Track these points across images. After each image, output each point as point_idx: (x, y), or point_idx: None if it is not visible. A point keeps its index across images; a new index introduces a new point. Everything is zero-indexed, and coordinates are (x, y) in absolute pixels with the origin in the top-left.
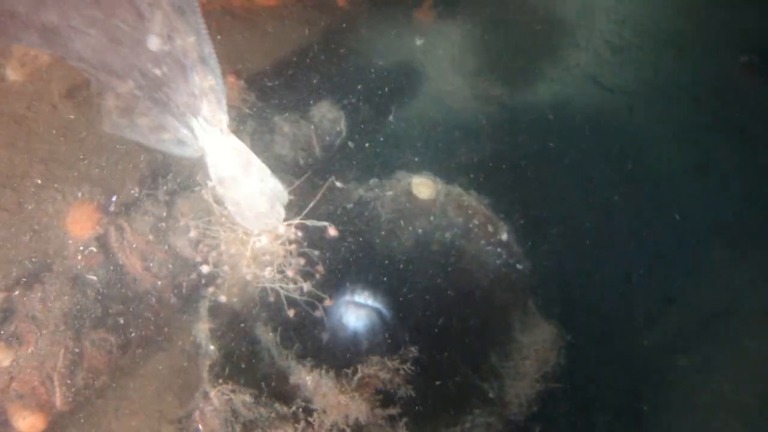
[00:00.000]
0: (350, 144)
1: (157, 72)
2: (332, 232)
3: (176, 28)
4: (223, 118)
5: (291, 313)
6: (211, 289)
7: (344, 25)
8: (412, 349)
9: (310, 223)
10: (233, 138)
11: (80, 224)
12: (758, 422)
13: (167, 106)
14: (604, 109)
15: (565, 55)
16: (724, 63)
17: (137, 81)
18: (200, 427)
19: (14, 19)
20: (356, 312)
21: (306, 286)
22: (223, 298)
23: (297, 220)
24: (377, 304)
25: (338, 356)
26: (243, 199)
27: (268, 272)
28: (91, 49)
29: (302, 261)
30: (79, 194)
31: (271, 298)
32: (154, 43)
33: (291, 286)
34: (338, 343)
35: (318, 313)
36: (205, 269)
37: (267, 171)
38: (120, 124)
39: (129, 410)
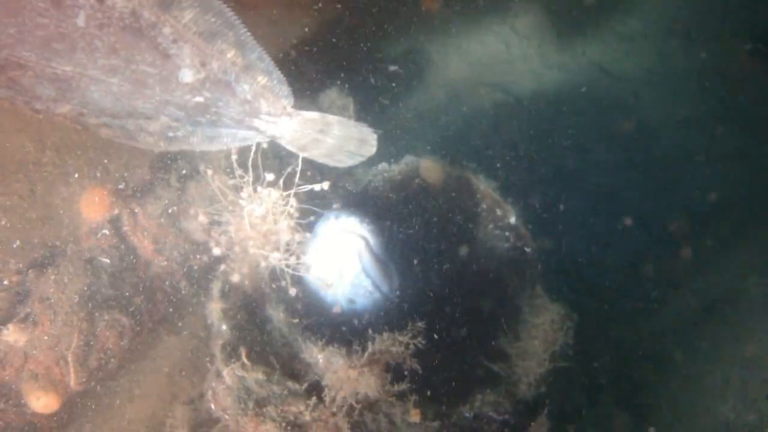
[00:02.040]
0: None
1: (200, 99)
2: (325, 186)
3: (209, 54)
4: (286, 102)
5: (293, 291)
6: (222, 267)
7: (351, 13)
8: (420, 324)
9: (304, 188)
10: (303, 113)
11: (93, 208)
12: (765, 407)
13: (217, 122)
14: (610, 96)
15: (571, 43)
16: (729, 50)
17: (172, 115)
18: (213, 406)
19: (25, 69)
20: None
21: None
22: (236, 278)
23: (293, 190)
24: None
25: (348, 333)
26: (332, 150)
27: (277, 252)
28: (113, 97)
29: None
30: (92, 179)
31: (282, 280)
32: (187, 75)
33: (295, 262)
34: (346, 321)
35: (325, 289)
36: (216, 251)
37: (348, 122)
38: (171, 148)
39: (141, 391)
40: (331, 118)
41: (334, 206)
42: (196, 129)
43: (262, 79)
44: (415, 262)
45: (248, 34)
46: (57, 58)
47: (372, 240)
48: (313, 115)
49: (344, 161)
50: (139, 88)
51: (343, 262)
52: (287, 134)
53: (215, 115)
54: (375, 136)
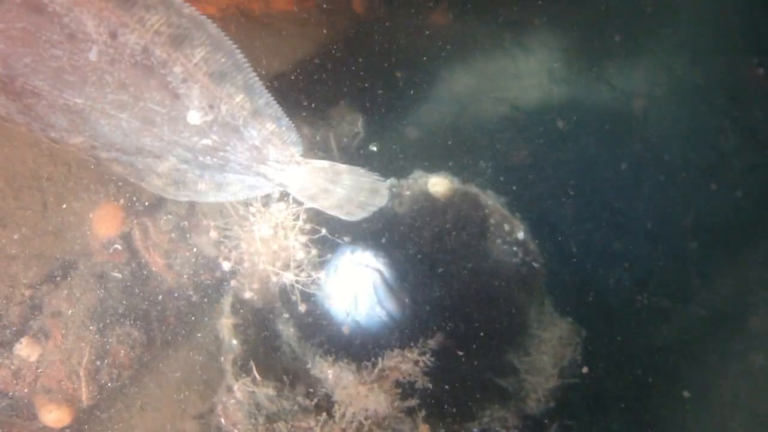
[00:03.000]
0: (368, 145)
1: (207, 142)
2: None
3: (217, 96)
4: (295, 150)
5: (303, 307)
6: (233, 282)
7: (361, 30)
8: (430, 341)
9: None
10: (312, 162)
11: (105, 223)
12: None
13: (225, 166)
14: (618, 111)
15: (579, 58)
16: (737, 65)
17: (180, 156)
18: (222, 420)
19: (39, 97)
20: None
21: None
22: (247, 294)
23: (303, 207)
24: (392, 300)
25: (358, 350)
26: (342, 200)
27: (288, 268)
28: (122, 133)
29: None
30: (104, 194)
31: (293, 296)
32: (195, 117)
33: (306, 279)
34: (356, 338)
35: (335, 307)
36: (226, 266)
37: (359, 170)
38: (181, 195)
39: (151, 406)
40: (341, 167)
41: (346, 239)
42: (204, 173)
43: (270, 126)
44: (424, 278)
45: (256, 78)
46: (69, 90)
47: (386, 272)
48: (323, 164)
49: (354, 213)
50: (147, 125)
51: (359, 294)
52: (296, 184)
53: (223, 159)
54: (386, 185)
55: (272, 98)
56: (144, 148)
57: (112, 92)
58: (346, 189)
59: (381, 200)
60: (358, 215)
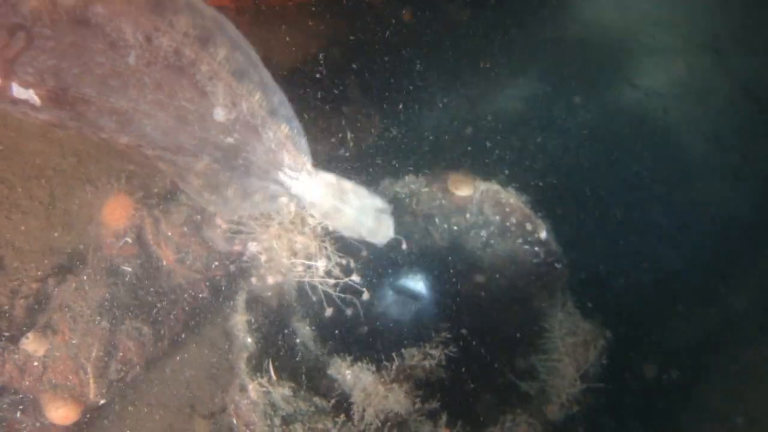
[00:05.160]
0: (384, 139)
1: (230, 140)
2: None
3: (239, 94)
4: (306, 159)
5: (328, 312)
6: (247, 277)
7: (378, 23)
8: (446, 334)
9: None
10: (321, 174)
11: (115, 215)
12: None
13: (249, 169)
14: (639, 111)
15: (599, 57)
16: (759, 65)
17: (212, 155)
18: (234, 421)
19: (89, 104)
20: (393, 308)
21: (343, 280)
22: (266, 281)
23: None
24: (412, 301)
25: (377, 348)
26: (351, 222)
27: (304, 265)
28: (162, 132)
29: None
30: (114, 186)
31: (312, 296)
32: (220, 114)
33: (330, 280)
34: (376, 337)
35: (350, 311)
36: (253, 247)
37: (363, 190)
38: (212, 201)
39: (160, 403)
40: (346, 184)
41: (363, 253)
42: (232, 176)
43: (284, 129)
44: (443, 277)
45: (269, 75)
46: (114, 94)
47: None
48: (330, 177)
49: (365, 238)
50: (181, 124)
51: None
52: (309, 196)
53: (246, 160)
54: (389, 210)
55: (285, 97)
56: (183, 146)
57: (151, 92)
58: (355, 210)
59: (386, 231)
60: (369, 239)
